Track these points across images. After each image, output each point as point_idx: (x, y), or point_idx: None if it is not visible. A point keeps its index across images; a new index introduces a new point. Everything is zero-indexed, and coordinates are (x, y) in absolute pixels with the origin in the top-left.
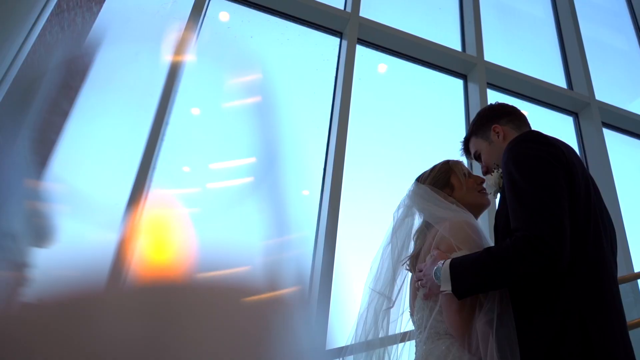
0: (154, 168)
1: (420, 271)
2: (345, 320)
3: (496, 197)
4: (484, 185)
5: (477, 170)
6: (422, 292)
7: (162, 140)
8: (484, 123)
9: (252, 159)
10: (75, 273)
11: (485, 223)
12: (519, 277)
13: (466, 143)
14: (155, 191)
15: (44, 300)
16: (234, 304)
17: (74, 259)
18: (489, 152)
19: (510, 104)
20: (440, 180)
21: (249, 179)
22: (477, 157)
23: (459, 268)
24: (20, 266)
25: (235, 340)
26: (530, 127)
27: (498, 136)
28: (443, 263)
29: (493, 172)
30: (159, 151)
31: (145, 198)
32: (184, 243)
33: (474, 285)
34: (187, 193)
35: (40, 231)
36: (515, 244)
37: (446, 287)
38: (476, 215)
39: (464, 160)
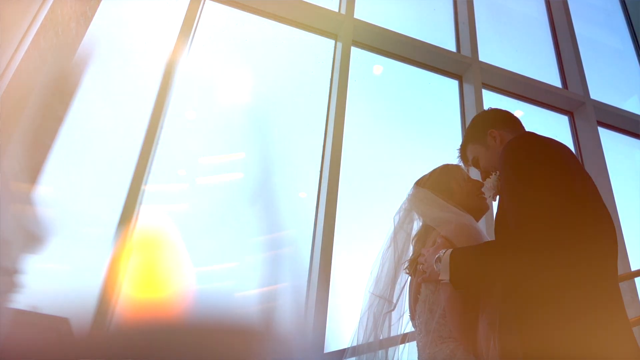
0: (149, 172)
1: (423, 255)
2: (344, 323)
3: (495, 200)
4: (483, 189)
5: (475, 176)
6: (420, 276)
7: (157, 144)
8: (480, 129)
9: (250, 161)
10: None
11: (483, 228)
12: (516, 269)
13: (463, 150)
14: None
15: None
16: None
17: (72, 259)
18: (487, 157)
19: (504, 106)
20: (439, 184)
21: (245, 177)
22: (475, 164)
23: (458, 258)
24: (12, 272)
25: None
26: (525, 130)
27: (495, 141)
28: (444, 252)
29: (492, 175)
30: (155, 154)
31: (141, 200)
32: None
33: (471, 275)
34: (181, 190)
35: (32, 237)
36: (514, 237)
37: (445, 276)
38: (475, 220)
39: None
